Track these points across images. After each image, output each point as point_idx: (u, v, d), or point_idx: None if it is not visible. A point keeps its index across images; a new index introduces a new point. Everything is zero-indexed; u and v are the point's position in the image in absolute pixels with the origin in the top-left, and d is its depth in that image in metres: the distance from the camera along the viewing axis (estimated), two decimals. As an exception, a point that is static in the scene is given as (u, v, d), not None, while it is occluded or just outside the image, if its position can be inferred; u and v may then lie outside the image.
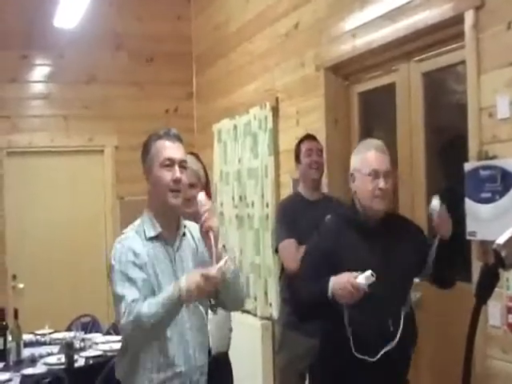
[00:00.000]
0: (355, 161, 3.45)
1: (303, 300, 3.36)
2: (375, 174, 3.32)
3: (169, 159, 2.99)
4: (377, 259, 3.24)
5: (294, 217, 4.64)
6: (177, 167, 3.00)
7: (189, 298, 2.77)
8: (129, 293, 2.84)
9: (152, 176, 3.03)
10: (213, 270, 2.73)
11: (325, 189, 5.12)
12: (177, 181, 2.98)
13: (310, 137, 5.00)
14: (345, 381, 3.32)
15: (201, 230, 2.91)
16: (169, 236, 3.06)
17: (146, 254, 2.97)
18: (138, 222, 3.10)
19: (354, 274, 3.07)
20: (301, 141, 4.94)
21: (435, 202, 3.21)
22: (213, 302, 3.55)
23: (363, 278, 3.03)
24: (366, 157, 3.38)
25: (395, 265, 3.27)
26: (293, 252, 4.51)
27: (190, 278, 2.77)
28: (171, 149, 3.02)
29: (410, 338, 3.38)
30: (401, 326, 3.26)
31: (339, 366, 3.33)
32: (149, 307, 2.76)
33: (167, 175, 2.98)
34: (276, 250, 4.73)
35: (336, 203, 4.75)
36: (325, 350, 3.50)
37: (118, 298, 2.86)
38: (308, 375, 3.80)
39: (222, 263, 2.75)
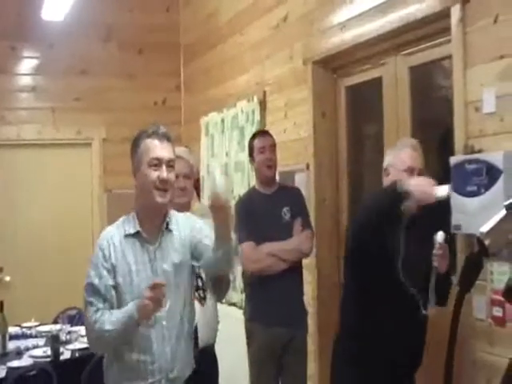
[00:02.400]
0: (390, 156, 3.55)
1: (366, 203, 3.48)
2: (410, 171, 3.42)
3: (157, 159, 3.03)
4: (417, 245, 3.35)
5: (251, 215, 4.70)
6: (164, 167, 3.03)
7: (144, 319, 2.94)
8: (92, 301, 3.01)
9: (139, 174, 3.07)
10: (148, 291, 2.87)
11: (311, 181, 5.15)
12: (163, 181, 3.02)
13: (262, 133, 5.05)
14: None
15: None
16: (150, 233, 3.10)
17: (121, 251, 3.04)
18: (122, 218, 3.16)
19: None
20: (253, 137, 4.97)
21: (441, 235, 3.26)
22: (202, 294, 3.60)
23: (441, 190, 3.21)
24: (402, 154, 3.49)
25: (427, 257, 3.32)
26: (251, 255, 4.60)
27: (140, 302, 2.91)
28: (160, 148, 3.05)
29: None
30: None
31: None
32: (111, 324, 2.95)
33: (154, 174, 3.01)
34: None
35: (291, 190, 4.93)
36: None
37: (85, 304, 3.05)
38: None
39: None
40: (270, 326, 4.61)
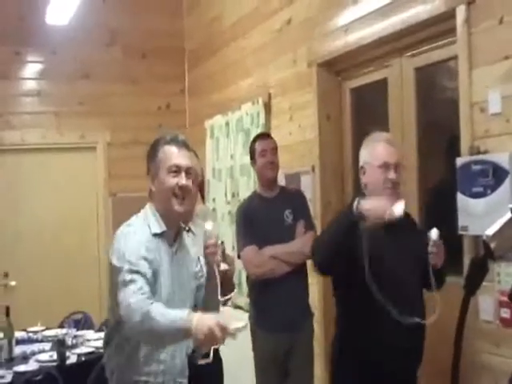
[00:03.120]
0: (365, 154, 3.49)
1: (323, 238, 3.33)
2: (386, 166, 3.37)
3: (176, 166, 3.02)
4: (392, 248, 3.31)
5: (252, 219, 4.69)
6: (183, 174, 3.03)
7: (195, 339, 2.66)
8: (138, 279, 2.77)
9: (158, 180, 3.05)
10: (230, 325, 2.60)
11: (317, 184, 5.15)
12: (182, 187, 3.01)
13: (263, 135, 5.04)
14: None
15: (205, 261, 3.00)
16: (169, 237, 3.09)
17: (154, 248, 2.96)
18: (141, 214, 3.10)
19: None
20: (254, 140, 4.94)
21: (435, 232, 3.24)
22: None
23: (397, 209, 3.05)
24: (376, 149, 3.43)
25: (408, 254, 3.32)
26: (253, 258, 4.60)
27: (204, 320, 2.62)
28: (179, 156, 3.05)
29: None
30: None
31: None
32: (161, 316, 2.66)
33: (173, 181, 3.00)
34: (239, 256, 4.75)
35: (293, 193, 4.90)
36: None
37: (124, 283, 2.76)
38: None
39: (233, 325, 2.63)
40: (273, 332, 4.59)
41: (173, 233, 3.09)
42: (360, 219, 3.12)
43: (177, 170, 3.01)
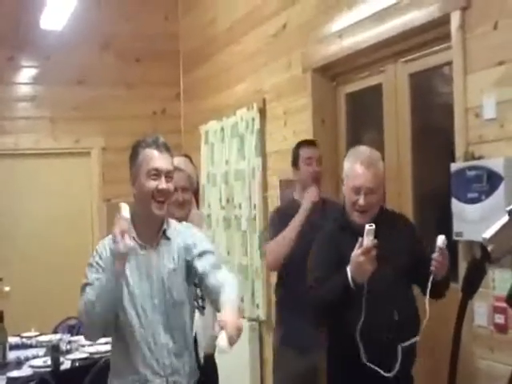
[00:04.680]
0: (345, 167, 3.49)
1: (326, 299, 3.29)
2: (356, 190, 3.36)
3: (156, 169, 3.04)
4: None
5: (287, 223, 4.42)
6: (163, 178, 3.05)
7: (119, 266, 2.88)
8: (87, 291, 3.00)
9: (138, 183, 3.08)
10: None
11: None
12: (162, 191, 3.03)
13: (310, 142, 4.75)
14: None
15: None
16: (147, 239, 3.11)
17: None
18: None
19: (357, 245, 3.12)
20: (300, 145, 4.70)
21: (441, 239, 3.21)
22: (201, 303, 3.57)
23: (365, 236, 3.08)
24: (352, 169, 3.41)
25: (389, 262, 3.28)
26: (274, 247, 4.43)
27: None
28: (159, 159, 3.06)
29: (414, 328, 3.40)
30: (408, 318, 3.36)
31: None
32: (92, 290, 2.94)
33: (153, 184, 3.03)
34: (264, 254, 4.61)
35: (331, 204, 4.52)
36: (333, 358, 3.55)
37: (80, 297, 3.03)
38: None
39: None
40: (300, 353, 4.42)
41: (152, 232, 3.11)
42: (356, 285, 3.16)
43: (156, 174, 3.04)
